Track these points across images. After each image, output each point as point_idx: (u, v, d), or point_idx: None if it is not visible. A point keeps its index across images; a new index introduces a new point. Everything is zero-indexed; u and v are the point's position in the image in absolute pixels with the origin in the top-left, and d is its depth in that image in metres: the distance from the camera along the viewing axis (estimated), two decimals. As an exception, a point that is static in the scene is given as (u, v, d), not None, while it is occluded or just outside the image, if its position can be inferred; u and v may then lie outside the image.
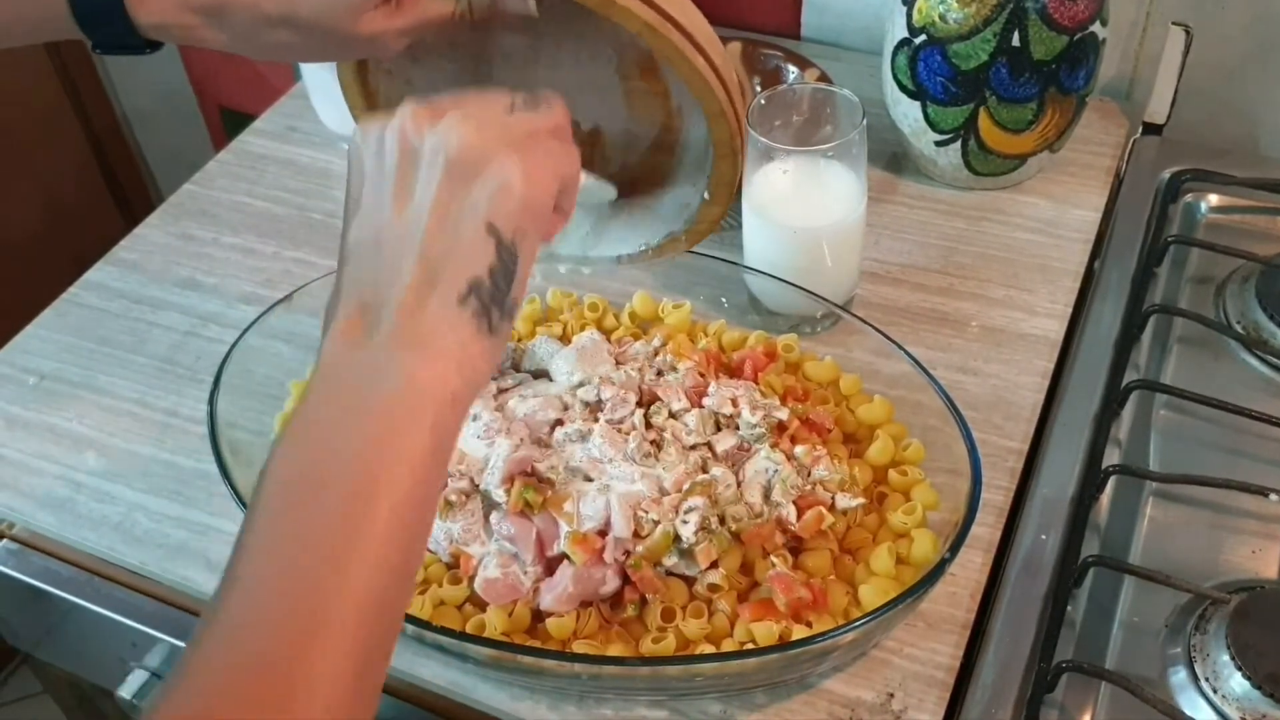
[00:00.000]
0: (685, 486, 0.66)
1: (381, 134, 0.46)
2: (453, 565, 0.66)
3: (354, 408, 0.42)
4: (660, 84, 0.64)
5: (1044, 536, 0.70)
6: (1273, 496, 0.70)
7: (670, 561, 0.64)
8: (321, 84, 0.98)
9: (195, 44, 0.60)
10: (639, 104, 0.65)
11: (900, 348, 0.72)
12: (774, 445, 0.69)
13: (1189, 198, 0.92)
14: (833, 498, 0.67)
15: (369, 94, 0.64)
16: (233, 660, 0.38)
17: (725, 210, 0.64)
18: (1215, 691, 0.63)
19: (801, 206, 0.77)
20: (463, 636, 0.62)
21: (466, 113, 0.45)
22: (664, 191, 0.67)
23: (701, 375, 0.73)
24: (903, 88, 0.89)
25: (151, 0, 0.59)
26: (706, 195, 0.63)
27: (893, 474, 0.70)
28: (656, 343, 0.75)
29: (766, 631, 0.62)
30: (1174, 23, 0.92)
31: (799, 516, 0.66)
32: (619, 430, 0.68)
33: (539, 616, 0.64)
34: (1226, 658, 0.63)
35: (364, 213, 0.46)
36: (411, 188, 0.44)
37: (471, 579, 0.65)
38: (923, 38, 0.86)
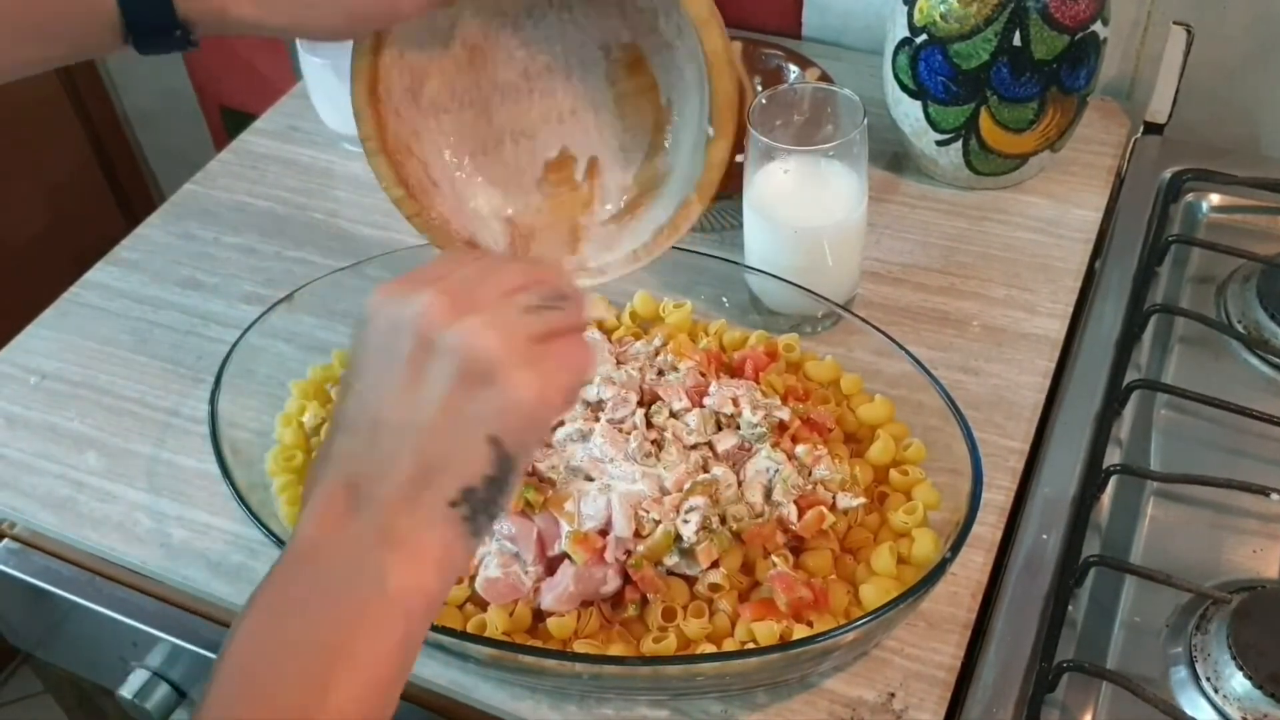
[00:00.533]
0: (686, 486, 0.66)
1: (400, 314, 0.45)
2: (454, 565, 0.66)
3: (327, 596, 0.42)
4: (648, 76, 0.64)
5: (1045, 536, 0.70)
6: (1274, 496, 0.70)
7: (671, 561, 0.64)
8: (322, 83, 0.98)
9: (228, 26, 0.60)
10: (630, 109, 0.65)
11: (901, 347, 0.72)
12: (775, 445, 0.69)
13: (1190, 197, 0.92)
14: (834, 497, 0.67)
15: (381, 124, 0.65)
16: None
17: (733, 145, 0.60)
18: (1216, 691, 0.63)
19: (802, 206, 0.77)
20: (464, 636, 0.62)
21: (488, 319, 0.44)
22: (665, 186, 0.67)
23: (702, 375, 0.73)
24: (904, 87, 0.89)
25: None
26: (710, 131, 0.61)
27: (894, 473, 0.70)
28: (657, 342, 0.75)
29: (767, 631, 0.62)
30: (1175, 22, 0.92)
31: (800, 516, 0.66)
32: (620, 430, 0.68)
33: (540, 616, 0.64)
34: (1228, 657, 0.63)
35: (367, 389, 0.45)
36: (421, 380, 0.44)
37: (472, 579, 0.65)
38: (924, 37, 0.85)
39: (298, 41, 0.95)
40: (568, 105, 0.66)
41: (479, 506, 0.44)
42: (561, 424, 0.69)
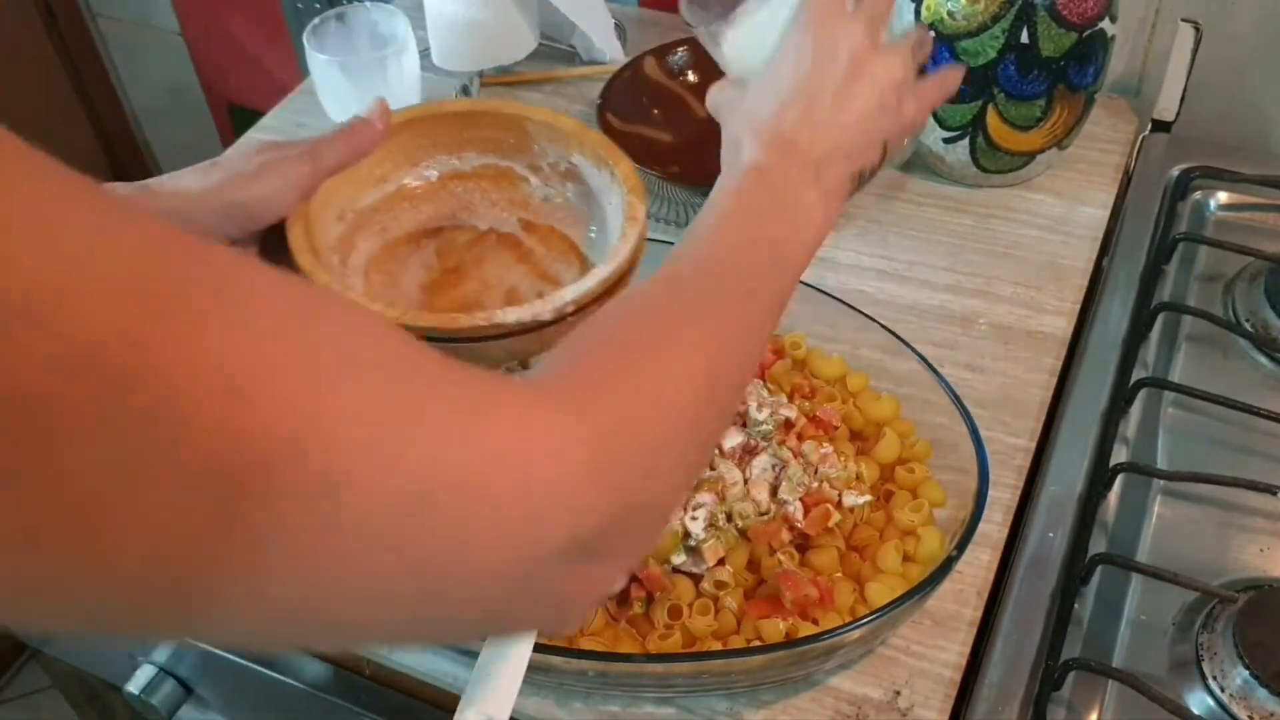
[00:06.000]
0: (692, 484, 0.66)
1: (841, 38, 0.57)
2: (460, 562, 0.66)
3: (774, 210, 0.53)
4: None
5: (1051, 534, 0.70)
6: (1281, 495, 0.70)
7: (678, 559, 0.64)
8: (329, 80, 0.98)
9: None
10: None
11: (908, 345, 0.72)
12: (781, 442, 0.69)
13: (1198, 195, 0.92)
14: (840, 495, 0.67)
15: (315, 250, 0.62)
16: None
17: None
18: (1223, 690, 0.63)
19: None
20: (470, 633, 0.62)
21: (894, 61, 0.58)
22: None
23: (709, 372, 0.72)
24: (911, 85, 0.89)
25: None
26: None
27: (900, 471, 0.70)
28: (664, 340, 0.75)
29: (773, 629, 0.62)
30: (1183, 19, 0.92)
31: (806, 514, 0.66)
32: (626, 427, 0.68)
33: (546, 613, 0.64)
34: (1234, 656, 0.63)
35: (810, 79, 0.56)
36: (850, 90, 0.56)
37: (479, 576, 0.65)
38: (930, 34, 0.85)
39: (304, 39, 0.95)
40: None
41: (857, 185, 0.58)
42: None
